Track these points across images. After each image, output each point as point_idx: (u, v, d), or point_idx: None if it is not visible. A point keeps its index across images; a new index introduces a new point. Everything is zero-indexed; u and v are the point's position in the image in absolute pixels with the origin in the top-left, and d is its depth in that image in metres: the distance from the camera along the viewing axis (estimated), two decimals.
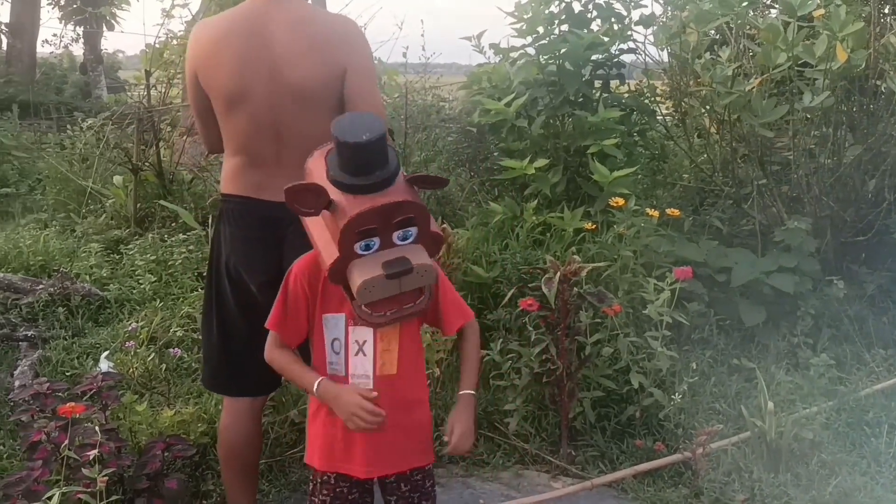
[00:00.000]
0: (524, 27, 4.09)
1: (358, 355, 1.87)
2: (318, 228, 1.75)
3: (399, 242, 1.72)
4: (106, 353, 3.48)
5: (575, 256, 3.16)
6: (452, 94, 6.07)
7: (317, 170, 1.75)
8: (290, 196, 1.67)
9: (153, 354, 3.44)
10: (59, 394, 2.81)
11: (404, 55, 5.68)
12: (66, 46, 17.42)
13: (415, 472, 1.99)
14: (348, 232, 1.66)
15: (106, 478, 2.20)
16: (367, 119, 1.70)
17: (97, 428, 2.38)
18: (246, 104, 2.16)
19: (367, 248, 1.69)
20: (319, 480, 1.96)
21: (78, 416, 2.34)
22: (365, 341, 1.86)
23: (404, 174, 1.73)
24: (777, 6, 5.30)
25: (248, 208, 2.27)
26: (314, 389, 1.86)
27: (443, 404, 3.18)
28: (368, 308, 1.77)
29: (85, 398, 2.72)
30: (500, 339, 3.23)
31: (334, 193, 1.68)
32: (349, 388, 1.84)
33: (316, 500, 1.97)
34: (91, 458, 2.28)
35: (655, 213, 3.49)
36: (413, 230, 1.72)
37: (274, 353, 1.94)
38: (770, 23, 4.00)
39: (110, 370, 3.25)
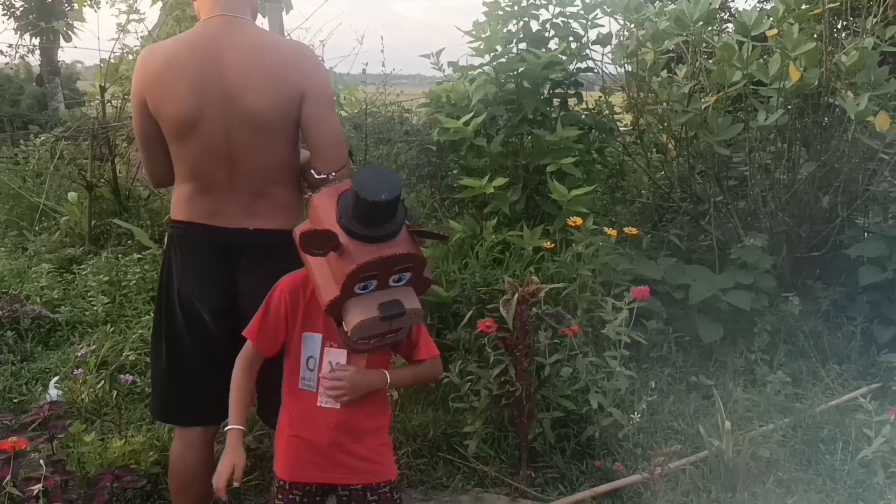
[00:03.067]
0: (482, 46, 4.09)
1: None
2: (318, 264, 1.83)
3: (393, 284, 1.82)
4: (55, 379, 3.38)
5: (533, 277, 3.15)
6: (415, 106, 6.05)
7: (324, 208, 1.83)
8: (304, 240, 1.76)
9: (103, 381, 3.35)
10: (8, 423, 2.73)
11: (364, 70, 5.63)
12: (21, 57, 17.10)
13: (382, 485, 2.05)
14: (353, 277, 1.75)
15: None
16: (388, 177, 1.77)
17: (42, 461, 2.31)
18: (199, 131, 2.11)
19: (365, 287, 1.79)
20: (277, 486, 2.06)
21: (21, 449, 2.27)
22: (338, 363, 1.97)
23: (408, 225, 1.83)
24: (732, 25, 5.38)
25: (200, 235, 2.22)
26: (225, 429, 2.03)
27: (401, 427, 3.17)
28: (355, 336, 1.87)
29: (31, 428, 2.65)
30: (460, 361, 3.21)
31: (343, 237, 1.76)
32: (230, 457, 1.97)
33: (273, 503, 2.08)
34: (35, 492, 2.21)
35: (614, 233, 3.50)
36: (408, 275, 1.83)
37: (238, 367, 2.04)
38: (725, 41, 4.05)
39: (59, 398, 3.16)
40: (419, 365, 2.10)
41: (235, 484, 1.97)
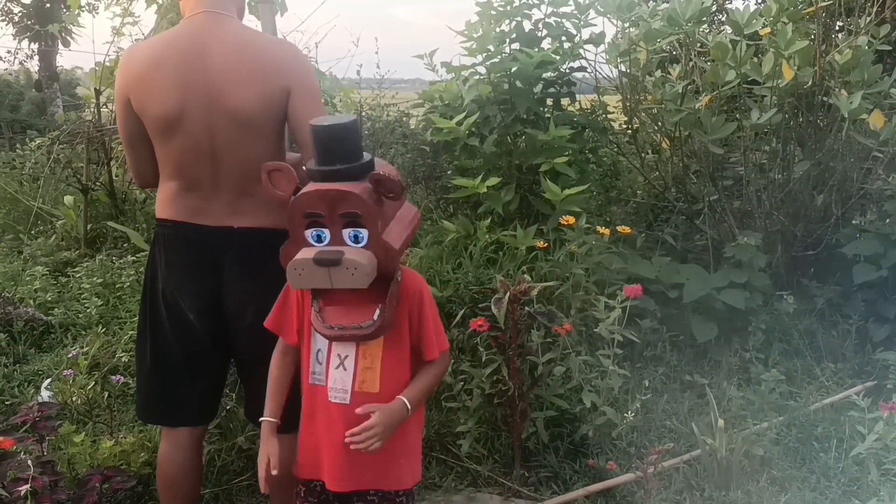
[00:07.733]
0: (475, 46, 4.08)
1: (339, 369, 1.89)
2: None
3: (350, 243, 1.74)
4: (48, 380, 3.38)
5: (525, 276, 3.14)
6: (412, 109, 6.06)
7: None
8: (266, 174, 1.78)
9: (94, 382, 3.35)
10: None
11: (358, 72, 5.65)
12: (21, 63, 17.11)
13: (397, 493, 1.98)
14: (295, 212, 1.73)
15: None
16: (342, 116, 1.83)
17: (30, 461, 2.30)
18: (183, 128, 2.10)
19: (319, 239, 1.74)
20: (298, 483, 2.03)
21: (9, 449, 2.26)
22: (346, 356, 1.88)
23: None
24: (726, 24, 5.37)
25: (184, 233, 2.22)
26: (260, 421, 1.98)
27: None
28: (321, 317, 1.80)
29: (21, 430, 2.64)
30: (452, 360, 3.20)
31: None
32: (264, 449, 1.92)
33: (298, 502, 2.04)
34: (23, 493, 2.20)
35: (607, 231, 3.49)
36: (364, 233, 1.73)
37: (273, 359, 2.02)
38: (719, 41, 4.05)
39: (51, 399, 3.16)
40: (426, 372, 1.93)
41: (274, 472, 1.89)
